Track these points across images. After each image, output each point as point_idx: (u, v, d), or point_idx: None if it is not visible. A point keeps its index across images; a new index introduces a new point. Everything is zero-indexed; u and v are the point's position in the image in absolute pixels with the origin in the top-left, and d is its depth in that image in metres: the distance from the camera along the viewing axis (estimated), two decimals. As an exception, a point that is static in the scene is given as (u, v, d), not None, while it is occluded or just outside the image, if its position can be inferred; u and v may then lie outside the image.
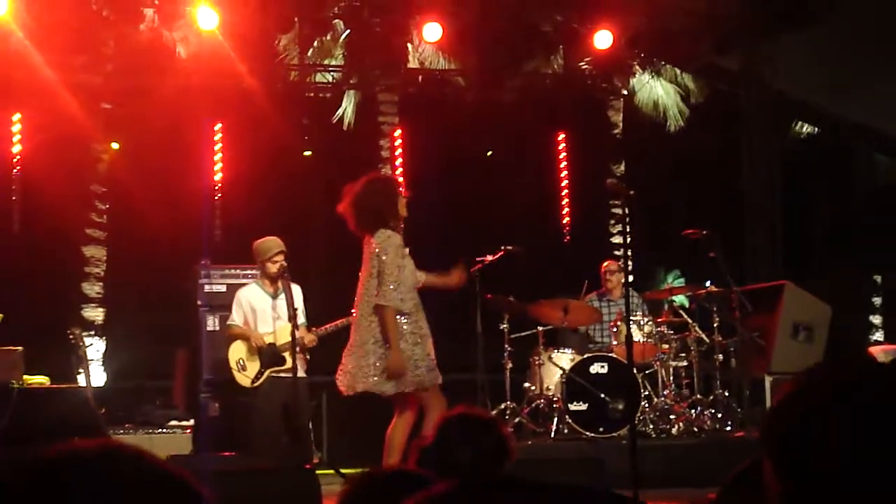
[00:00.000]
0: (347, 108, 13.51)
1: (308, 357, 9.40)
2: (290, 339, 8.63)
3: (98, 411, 8.74)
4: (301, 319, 9.03)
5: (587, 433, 9.98)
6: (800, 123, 15.14)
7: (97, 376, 12.19)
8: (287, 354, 8.98)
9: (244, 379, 9.30)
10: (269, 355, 9.27)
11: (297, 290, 9.09)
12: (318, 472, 7.79)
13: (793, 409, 1.45)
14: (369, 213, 7.73)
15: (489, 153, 13.80)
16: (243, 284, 9.78)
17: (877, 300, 15.81)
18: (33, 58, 11.49)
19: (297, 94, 13.32)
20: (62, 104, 11.84)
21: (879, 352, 11.78)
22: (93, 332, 12.59)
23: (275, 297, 9.31)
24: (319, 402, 10.88)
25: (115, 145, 12.75)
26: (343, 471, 8.67)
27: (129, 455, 1.29)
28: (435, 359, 7.76)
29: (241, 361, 9.34)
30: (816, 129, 15.20)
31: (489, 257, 10.41)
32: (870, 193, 15.56)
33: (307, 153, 13.39)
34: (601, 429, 10.02)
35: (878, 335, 15.46)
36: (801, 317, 11.11)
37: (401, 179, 13.68)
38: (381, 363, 7.55)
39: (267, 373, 9.25)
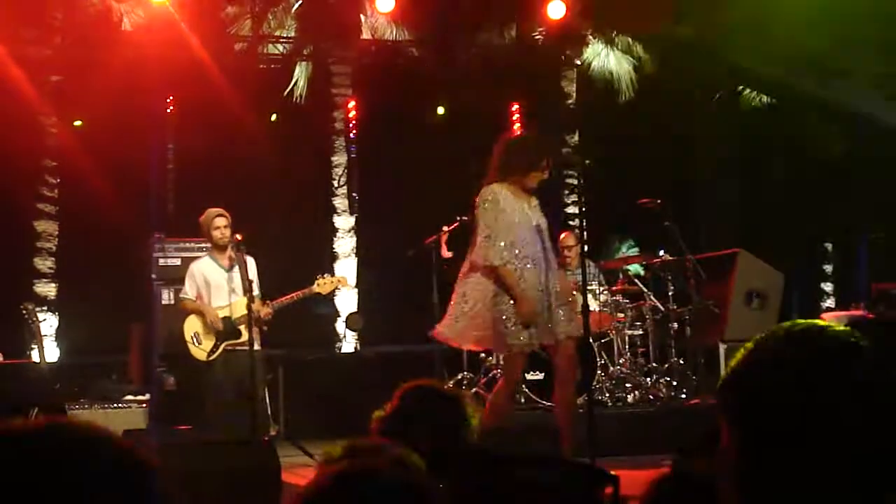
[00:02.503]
0: (299, 79, 13.42)
1: (265, 329, 9.37)
2: (245, 312, 8.59)
3: (53, 386, 8.67)
4: (255, 292, 8.99)
5: (544, 402, 10.02)
6: (753, 94, 15.21)
7: (51, 351, 12.10)
8: (243, 328, 8.95)
9: (199, 353, 9.26)
10: (224, 329, 9.23)
11: (250, 261, 9.05)
12: (276, 444, 7.78)
13: (755, 375, 1.45)
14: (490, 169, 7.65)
15: (440, 111, 13.74)
16: (198, 258, 9.73)
17: (828, 268, 15.96)
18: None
19: (249, 66, 13.20)
20: (11, 77, 11.69)
21: (832, 318, 11.90)
22: (46, 308, 12.48)
23: (229, 269, 9.26)
24: (275, 375, 10.87)
25: (77, 123, 12.60)
26: (303, 445, 8.67)
27: (77, 430, 1.27)
28: (521, 322, 7.35)
29: (197, 335, 9.30)
30: (770, 99, 15.28)
31: (445, 228, 10.44)
32: (822, 163, 15.67)
33: (273, 117, 13.28)
34: (558, 398, 10.05)
35: (830, 302, 15.62)
36: (754, 284, 11.21)
37: (353, 155, 13.70)
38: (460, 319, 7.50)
39: (222, 346, 9.21)
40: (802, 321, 1.59)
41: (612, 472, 4.09)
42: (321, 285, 9.43)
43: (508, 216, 7.38)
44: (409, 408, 3.69)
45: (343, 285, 9.99)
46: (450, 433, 3.68)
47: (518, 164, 7.46)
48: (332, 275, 10.03)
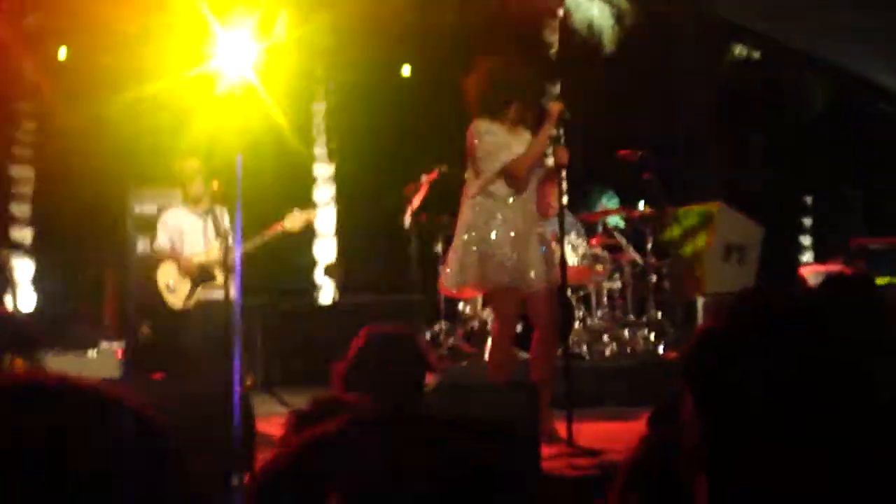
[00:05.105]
0: (280, 26, 13.29)
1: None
2: (218, 256, 8.54)
3: (28, 333, 8.62)
4: (229, 242, 8.91)
5: (522, 354, 10.00)
6: (737, 47, 15.15)
7: (28, 298, 12.04)
8: (216, 270, 8.90)
9: (175, 300, 9.19)
10: (198, 273, 9.14)
11: (223, 211, 8.98)
12: (252, 394, 7.75)
13: (713, 346, 1.41)
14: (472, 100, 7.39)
15: (407, 73, 13.65)
16: (171, 206, 9.62)
17: (807, 221, 15.98)
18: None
19: (227, 9, 13.02)
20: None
21: (810, 273, 11.92)
22: (21, 254, 12.39)
23: (203, 218, 9.17)
24: (253, 325, 10.80)
25: (63, 52, 12.40)
26: (279, 393, 8.65)
27: (58, 383, 1.21)
28: (518, 262, 7.18)
29: (171, 283, 9.23)
30: (752, 52, 15.23)
31: (424, 177, 10.39)
32: (803, 116, 15.66)
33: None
34: (535, 350, 10.03)
35: (808, 256, 15.65)
36: (733, 238, 11.19)
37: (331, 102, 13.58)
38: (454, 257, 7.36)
39: (198, 291, 9.14)
40: (777, 283, 1.54)
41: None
42: (290, 220, 9.25)
43: (494, 152, 7.23)
44: (368, 356, 3.68)
45: (312, 219, 9.84)
46: (411, 376, 3.67)
47: (499, 98, 7.35)
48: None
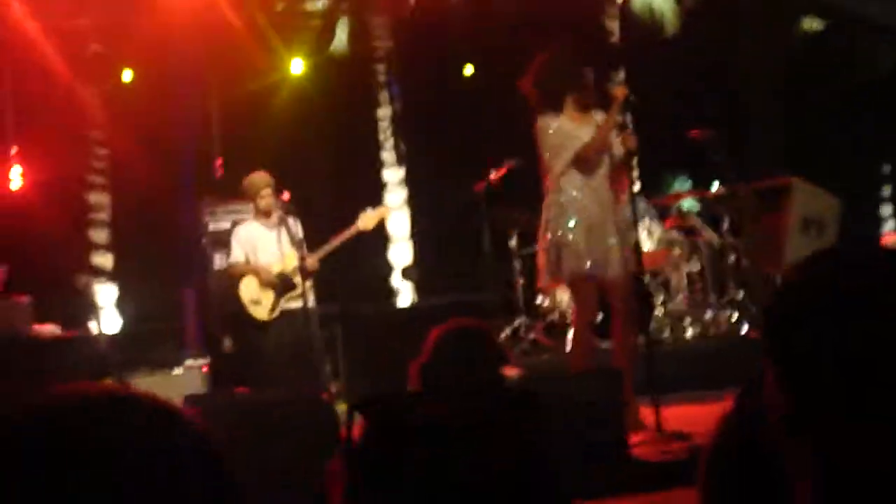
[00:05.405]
0: (340, 35, 13.34)
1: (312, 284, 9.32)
2: (296, 263, 8.63)
3: (111, 356, 8.72)
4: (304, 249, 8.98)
5: (603, 344, 9.92)
6: (806, 20, 14.93)
7: (112, 321, 12.19)
8: (296, 279, 8.95)
9: (261, 312, 9.25)
10: (280, 284, 9.21)
11: (296, 223, 9.04)
12: (335, 403, 7.78)
13: (790, 303, 1.37)
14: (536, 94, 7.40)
15: (469, 72, 13.65)
16: (245, 220, 9.70)
17: (886, 191, 15.71)
18: (15, 9, 11.32)
19: (287, 24, 13.12)
20: (47, 51, 11.66)
21: (893, 242, 11.71)
22: (103, 279, 12.55)
23: (275, 230, 9.21)
24: (333, 332, 10.85)
25: (127, 74, 12.50)
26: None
27: (135, 398, 1.20)
28: (594, 251, 7.20)
29: (255, 296, 9.30)
30: (820, 22, 14.99)
31: (493, 174, 10.37)
32: (875, 84, 15.38)
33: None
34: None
35: (889, 225, 15.38)
36: (810, 212, 11.00)
37: (398, 106, 13.59)
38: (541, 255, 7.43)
39: (283, 301, 9.21)
40: (856, 243, 1.49)
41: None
42: (364, 220, 9.31)
43: (563, 144, 7.21)
44: (444, 352, 3.68)
45: (386, 217, 9.88)
46: (488, 370, 3.66)
47: (553, 91, 7.32)
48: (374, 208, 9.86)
